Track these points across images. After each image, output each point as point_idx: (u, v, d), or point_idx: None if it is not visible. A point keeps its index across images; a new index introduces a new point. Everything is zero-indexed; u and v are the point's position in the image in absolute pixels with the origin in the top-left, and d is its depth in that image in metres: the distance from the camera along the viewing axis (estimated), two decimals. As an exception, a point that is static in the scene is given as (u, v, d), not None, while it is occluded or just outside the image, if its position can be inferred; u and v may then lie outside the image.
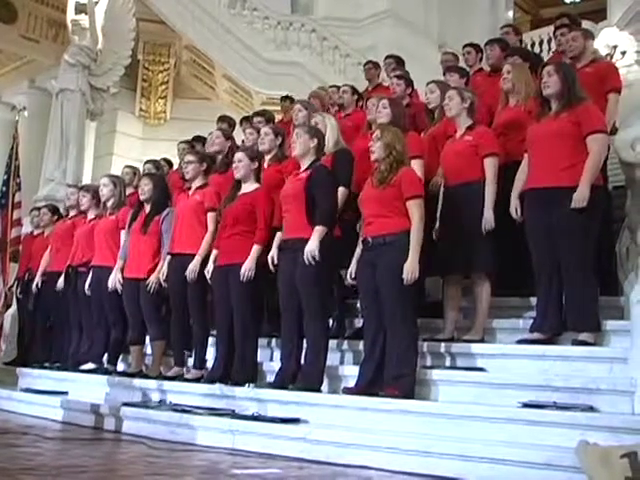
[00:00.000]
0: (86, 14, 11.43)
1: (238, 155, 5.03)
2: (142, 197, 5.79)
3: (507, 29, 6.55)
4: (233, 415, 4.28)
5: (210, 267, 4.99)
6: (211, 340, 5.26)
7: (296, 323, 4.46)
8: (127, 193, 6.48)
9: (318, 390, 4.31)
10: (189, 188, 5.54)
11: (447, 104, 4.66)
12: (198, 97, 13.92)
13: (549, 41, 7.79)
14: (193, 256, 5.15)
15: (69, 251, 6.53)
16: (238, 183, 5.01)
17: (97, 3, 11.31)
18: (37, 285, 6.95)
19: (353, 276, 4.34)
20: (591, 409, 3.41)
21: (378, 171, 4.25)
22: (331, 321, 5.02)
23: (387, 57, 7.17)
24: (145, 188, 5.77)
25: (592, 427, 3.20)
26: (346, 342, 4.84)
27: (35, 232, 7.68)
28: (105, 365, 6.00)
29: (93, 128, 12.68)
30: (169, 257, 5.39)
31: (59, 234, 6.88)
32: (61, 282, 6.45)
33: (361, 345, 4.64)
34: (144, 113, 14.28)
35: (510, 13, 14.33)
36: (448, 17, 12.82)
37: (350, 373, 4.40)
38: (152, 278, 5.48)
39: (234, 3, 12.00)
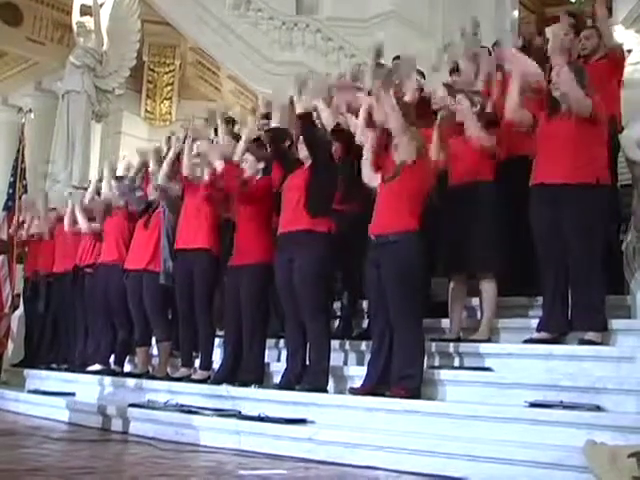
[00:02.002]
0: (91, 16, 11.49)
1: (246, 155, 5.12)
2: (150, 198, 5.84)
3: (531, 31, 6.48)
4: (239, 416, 4.28)
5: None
6: (217, 341, 5.27)
7: (299, 323, 4.47)
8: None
9: (325, 390, 4.31)
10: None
11: (456, 108, 4.65)
12: (203, 98, 13.94)
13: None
14: (198, 252, 5.16)
15: (75, 251, 6.54)
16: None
17: (102, 5, 11.36)
18: (46, 284, 6.97)
19: None
20: (598, 408, 3.40)
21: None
22: (337, 321, 5.03)
23: (395, 58, 7.14)
24: (153, 190, 5.82)
25: (599, 426, 3.19)
26: (348, 342, 4.83)
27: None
28: (112, 366, 6.02)
29: (99, 130, 12.72)
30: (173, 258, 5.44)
31: (65, 234, 6.88)
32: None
33: (364, 345, 4.65)
34: (149, 114, 14.31)
35: (515, 13, 14.27)
36: (453, 17, 12.78)
37: (355, 373, 4.40)
38: None
39: (238, 4, 11.99)
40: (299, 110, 4.65)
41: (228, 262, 5.02)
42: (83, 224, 6.47)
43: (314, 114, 4.85)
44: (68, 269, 6.64)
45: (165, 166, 5.64)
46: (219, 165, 5.07)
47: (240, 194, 4.93)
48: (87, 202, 6.64)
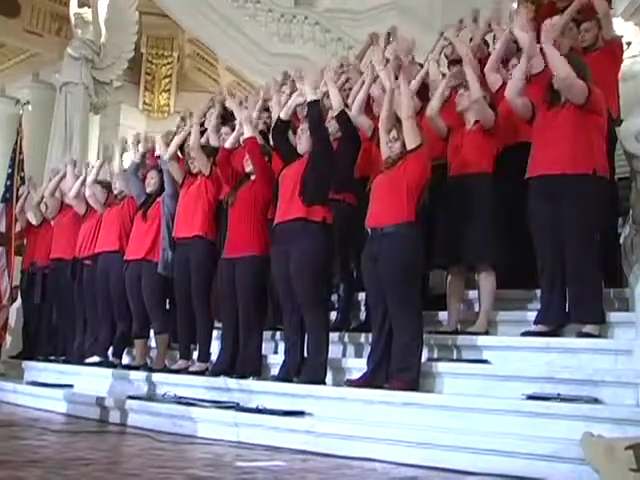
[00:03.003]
0: (89, 7, 11.44)
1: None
2: (148, 189, 5.83)
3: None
4: (237, 408, 4.29)
5: None
6: (215, 333, 5.27)
7: (297, 316, 4.46)
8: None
9: (323, 383, 4.31)
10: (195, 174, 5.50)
11: (457, 99, 4.64)
12: (201, 90, 13.90)
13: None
14: (194, 239, 5.17)
15: (74, 239, 6.52)
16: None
17: (100, -4, 11.31)
18: (42, 275, 6.96)
19: None
20: (595, 401, 3.40)
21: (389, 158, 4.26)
22: (335, 313, 5.03)
23: None
24: (151, 181, 5.83)
25: (596, 419, 3.20)
26: (347, 335, 4.83)
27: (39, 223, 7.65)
28: (110, 358, 6.02)
29: (97, 121, 12.68)
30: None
31: (64, 222, 6.86)
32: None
33: (362, 338, 4.65)
34: (148, 106, 14.28)
35: (514, 4, 14.23)
36: (452, 9, 12.73)
37: (353, 366, 4.41)
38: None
39: (237, -4, 11.97)
40: (309, 97, 4.63)
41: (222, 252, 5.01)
42: (91, 197, 6.41)
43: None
44: (66, 257, 6.62)
45: (172, 147, 5.63)
46: (247, 131, 5.01)
47: (262, 165, 4.92)
48: (92, 180, 6.53)
